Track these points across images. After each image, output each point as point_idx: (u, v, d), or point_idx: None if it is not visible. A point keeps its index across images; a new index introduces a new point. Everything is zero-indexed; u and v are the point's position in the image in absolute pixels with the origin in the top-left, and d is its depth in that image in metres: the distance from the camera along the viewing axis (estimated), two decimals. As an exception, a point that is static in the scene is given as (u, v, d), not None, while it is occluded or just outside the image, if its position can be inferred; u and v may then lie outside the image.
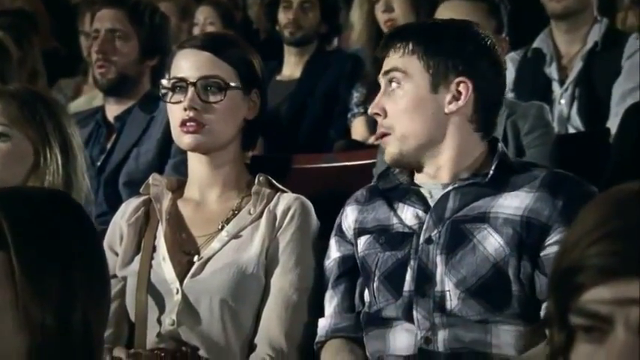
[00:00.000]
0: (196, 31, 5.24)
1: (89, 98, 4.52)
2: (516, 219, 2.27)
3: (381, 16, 4.24)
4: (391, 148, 2.38)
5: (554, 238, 2.24)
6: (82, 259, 1.57)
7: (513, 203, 2.29)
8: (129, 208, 2.63)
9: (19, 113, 2.66)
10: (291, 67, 4.43)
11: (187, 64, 2.54)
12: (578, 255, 1.09)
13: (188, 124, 2.51)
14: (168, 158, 3.48)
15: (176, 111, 2.53)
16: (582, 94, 3.82)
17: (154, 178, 2.63)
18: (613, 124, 3.51)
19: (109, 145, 3.65)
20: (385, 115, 2.38)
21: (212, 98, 2.52)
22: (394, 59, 2.38)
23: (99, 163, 3.60)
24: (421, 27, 2.50)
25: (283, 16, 4.43)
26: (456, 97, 2.35)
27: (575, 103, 3.82)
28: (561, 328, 1.12)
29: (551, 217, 2.26)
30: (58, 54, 5.68)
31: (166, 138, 3.49)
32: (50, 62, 5.04)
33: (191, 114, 2.50)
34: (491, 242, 2.27)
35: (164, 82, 2.59)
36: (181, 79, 2.53)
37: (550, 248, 2.24)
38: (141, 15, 3.71)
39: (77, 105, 4.47)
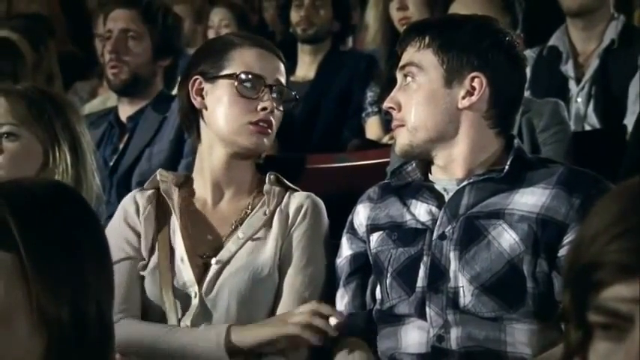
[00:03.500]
0: (211, 33, 5.24)
1: (104, 99, 4.53)
2: (532, 216, 2.25)
3: (395, 14, 4.23)
4: (401, 139, 2.37)
5: (571, 237, 2.21)
6: (91, 249, 1.56)
7: (529, 200, 2.27)
8: (141, 200, 2.56)
9: (27, 112, 2.65)
10: (305, 68, 4.43)
11: (264, 65, 2.53)
12: (597, 251, 1.07)
13: (262, 124, 2.50)
14: (181, 158, 3.48)
15: (246, 107, 2.50)
16: (599, 92, 3.79)
17: (161, 174, 2.59)
18: (630, 121, 3.48)
19: (121, 146, 3.64)
20: (399, 109, 2.37)
21: (280, 106, 2.54)
22: (410, 53, 2.37)
23: (111, 164, 3.59)
24: (439, 22, 2.49)
25: (295, 14, 4.44)
26: (470, 93, 2.33)
27: (591, 102, 3.79)
28: (578, 325, 1.10)
29: (568, 215, 2.23)
30: (75, 58, 5.70)
31: (179, 138, 3.49)
32: (67, 66, 5.06)
33: (270, 116, 2.50)
34: (507, 238, 2.24)
35: (229, 70, 2.52)
36: (259, 77, 2.51)
37: (568, 248, 2.20)
38: (154, 15, 3.71)
39: (92, 106, 4.48)
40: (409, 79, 2.36)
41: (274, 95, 2.52)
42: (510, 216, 2.26)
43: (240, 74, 2.50)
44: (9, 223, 1.48)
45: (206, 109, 2.54)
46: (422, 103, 2.34)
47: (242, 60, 2.52)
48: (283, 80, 2.56)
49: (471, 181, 2.32)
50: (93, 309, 1.51)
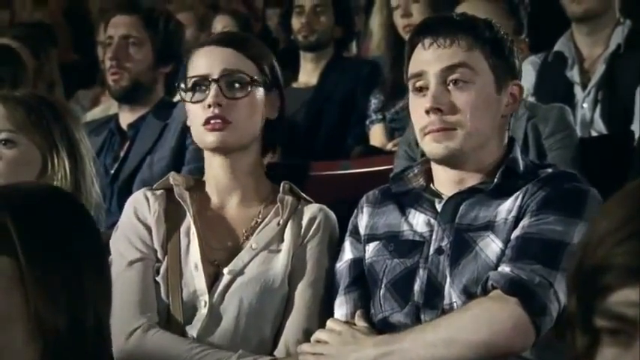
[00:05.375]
0: (214, 40, 5.23)
1: (106, 107, 4.53)
2: (511, 220, 2.21)
3: (400, 22, 4.21)
4: (452, 144, 2.27)
5: (526, 220, 2.18)
6: (90, 257, 1.55)
7: (511, 206, 2.23)
8: (151, 198, 2.49)
9: (25, 119, 2.64)
10: (308, 74, 4.43)
11: (209, 61, 2.46)
12: (604, 254, 1.05)
13: (213, 121, 2.42)
14: (182, 165, 3.45)
15: (198, 110, 2.44)
16: (605, 98, 3.77)
17: (174, 178, 2.52)
18: (637, 127, 3.47)
19: (122, 153, 3.63)
20: (452, 112, 2.28)
21: (237, 94, 2.45)
22: (459, 54, 2.28)
23: (112, 171, 3.57)
24: (478, 23, 2.36)
25: (296, 22, 4.44)
26: (511, 101, 2.32)
27: (598, 107, 3.77)
28: (585, 330, 1.08)
29: (530, 205, 2.21)
30: (78, 66, 5.71)
31: (180, 145, 3.47)
32: (69, 74, 5.05)
33: (216, 111, 2.42)
34: (493, 248, 2.21)
35: (182, 84, 2.48)
36: (203, 77, 2.44)
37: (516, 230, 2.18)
38: (155, 21, 3.70)
39: (93, 114, 4.48)
40: (460, 79, 2.27)
41: (234, 84, 2.43)
42: (498, 226, 2.22)
43: (181, 84, 2.48)
44: (9, 228, 1.47)
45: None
46: (481, 108, 2.27)
47: (191, 66, 2.49)
48: (242, 66, 2.46)
49: (459, 191, 2.29)
50: (91, 317, 1.50)
